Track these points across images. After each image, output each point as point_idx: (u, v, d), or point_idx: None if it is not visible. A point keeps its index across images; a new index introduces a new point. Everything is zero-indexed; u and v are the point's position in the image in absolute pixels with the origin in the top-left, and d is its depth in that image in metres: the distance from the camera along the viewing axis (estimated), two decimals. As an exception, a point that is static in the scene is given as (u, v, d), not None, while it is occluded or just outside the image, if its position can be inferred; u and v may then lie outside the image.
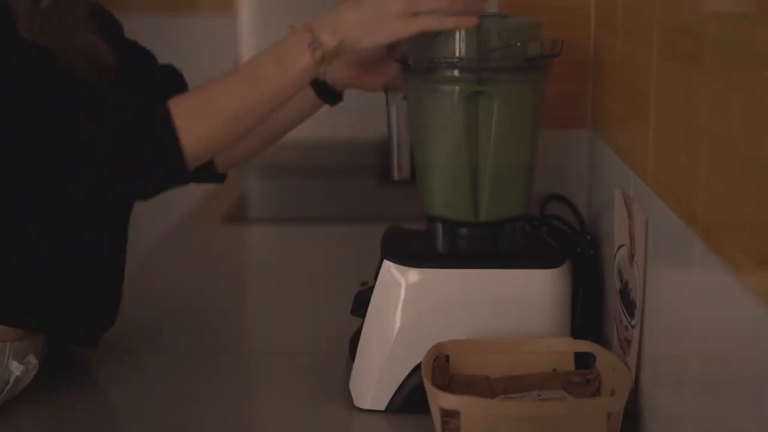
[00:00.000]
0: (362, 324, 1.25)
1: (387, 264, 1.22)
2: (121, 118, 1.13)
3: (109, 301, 1.36)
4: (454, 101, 1.19)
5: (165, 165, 1.15)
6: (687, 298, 0.93)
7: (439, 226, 1.24)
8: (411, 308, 1.21)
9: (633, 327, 1.11)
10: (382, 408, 1.23)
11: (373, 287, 1.24)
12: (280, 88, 1.16)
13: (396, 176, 1.29)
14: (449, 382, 1.17)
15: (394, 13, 1.15)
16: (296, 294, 1.74)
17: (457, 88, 1.18)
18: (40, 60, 1.17)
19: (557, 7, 1.42)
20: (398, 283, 1.22)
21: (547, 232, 1.34)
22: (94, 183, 1.12)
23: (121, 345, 1.47)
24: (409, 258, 1.22)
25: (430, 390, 1.07)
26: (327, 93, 1.35)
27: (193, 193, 2.27)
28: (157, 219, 2.17)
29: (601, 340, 1.28)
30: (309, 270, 1.89)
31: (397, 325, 1.22)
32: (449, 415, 1.06)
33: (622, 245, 1.16)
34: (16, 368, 1.24)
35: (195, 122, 1.15)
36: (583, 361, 1.20)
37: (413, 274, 1.21)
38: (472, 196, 1.21)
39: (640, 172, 1.11)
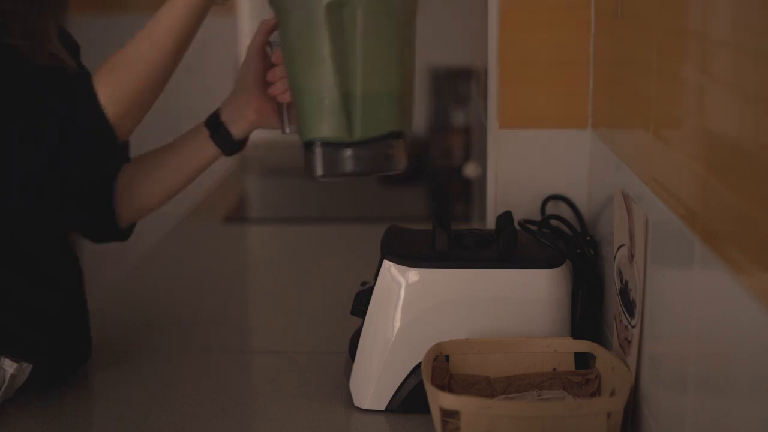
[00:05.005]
0: (362, 324, 1.25)
1: (387, 264, 1.23)
2: (56, 102, 1.15)
3: (76, 334, 1.36)
4: (317, 14, 1.16)
5: (97, 141, 1.17)
6: (687, 298, 0.93)
7: (317, 150, 1.22)
8: (411, 308, 1.21)
9: (633, 327, 1.12)
10: (382, 408, 1.23)
11: (373, 287, 1.24)
12: (172, 26, 1.18)
13: (287, 130, 1.32)
14: (449, 382, 1.17)
15: None
16: (296, 294, 1.74)
17: (318, 1, 1.16)
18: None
19: (557, 7, 1.42)
20: (398, 283, 1.22)
21: (548, 233, 1.34)
22: (37, 164, 1.14)
23: (121, 345, 1.47)
24: (409, 258, 1.22)
25: (430, 390, 1.07)
26: (225, 142, 1.35)
27: (192, 193, 2.27)
28: (157, 219, 2.17)
29: (601, 340, 1.28)
30: (309, 270, 1.89)
31: (397, 325, 1.22)
32: (449, 415, 1.06)
33: (622, 245, 1.16)
34: (9, 366, 1.24)
35: (116, 92, 1.16)
36: (583, 361, 1.20)
37: (413, 274, 1.21)
38: (344, 113, 1.19)
39: (640, 172, 1.11)
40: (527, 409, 1.07)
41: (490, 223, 1.46)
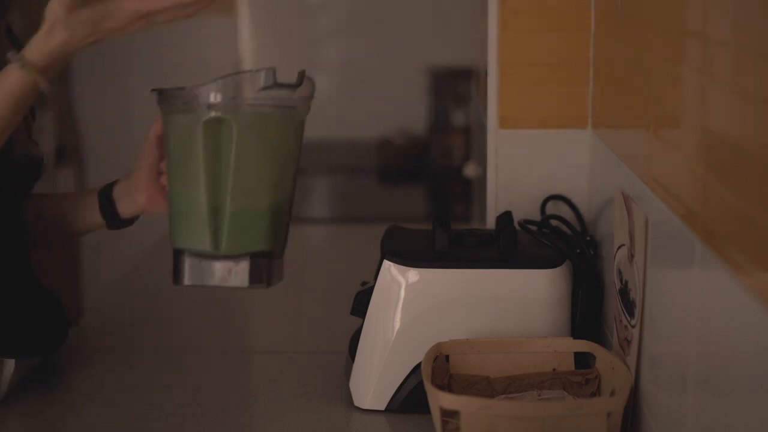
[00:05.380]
0: (362, 324, 1.25)
1: (387, 264, 1.23)
2: None
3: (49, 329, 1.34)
4: (195, 128, 1.17)
5: None
6: (687, 298, 0.93)
7: (184, 259, 1.22)
8: (411, 308, 1.21)
9: (633, 327, 1.12)
10: (382, 408, 1.23)
11: (373, 287, 1.24)
12: None
13: None
14: (449, 382, 1.17)
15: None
16: (296, 294, 1.74)
17: (197, 114, 1.16)
18: None
19: (557, 7, 1.42)
20: (398, 283, 1.22)
21: (548, 233, 1.34)
22: None
23: (120, 344, 1.47)
24: (409, 258, 1.22)
25: (430, 390, 1.07)
26: (111, 218, 1.34)
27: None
28: (158, 218, 2.17)
29: (601, 340, 1.28)
30: (309, 270, 1.89)
31: (397, 325, 1.22)
32: (449, 415, 1.06)
33: (622, 245, 1.16)
34: None
35: None
36: (583, 361, 1.20)
37: (413, 274, 1.21)
38: (212, 227, 1.19)
39: (640, 172, 1.11)
40: (527, 409, 1.08)
41: (490, 223, 1.46)
